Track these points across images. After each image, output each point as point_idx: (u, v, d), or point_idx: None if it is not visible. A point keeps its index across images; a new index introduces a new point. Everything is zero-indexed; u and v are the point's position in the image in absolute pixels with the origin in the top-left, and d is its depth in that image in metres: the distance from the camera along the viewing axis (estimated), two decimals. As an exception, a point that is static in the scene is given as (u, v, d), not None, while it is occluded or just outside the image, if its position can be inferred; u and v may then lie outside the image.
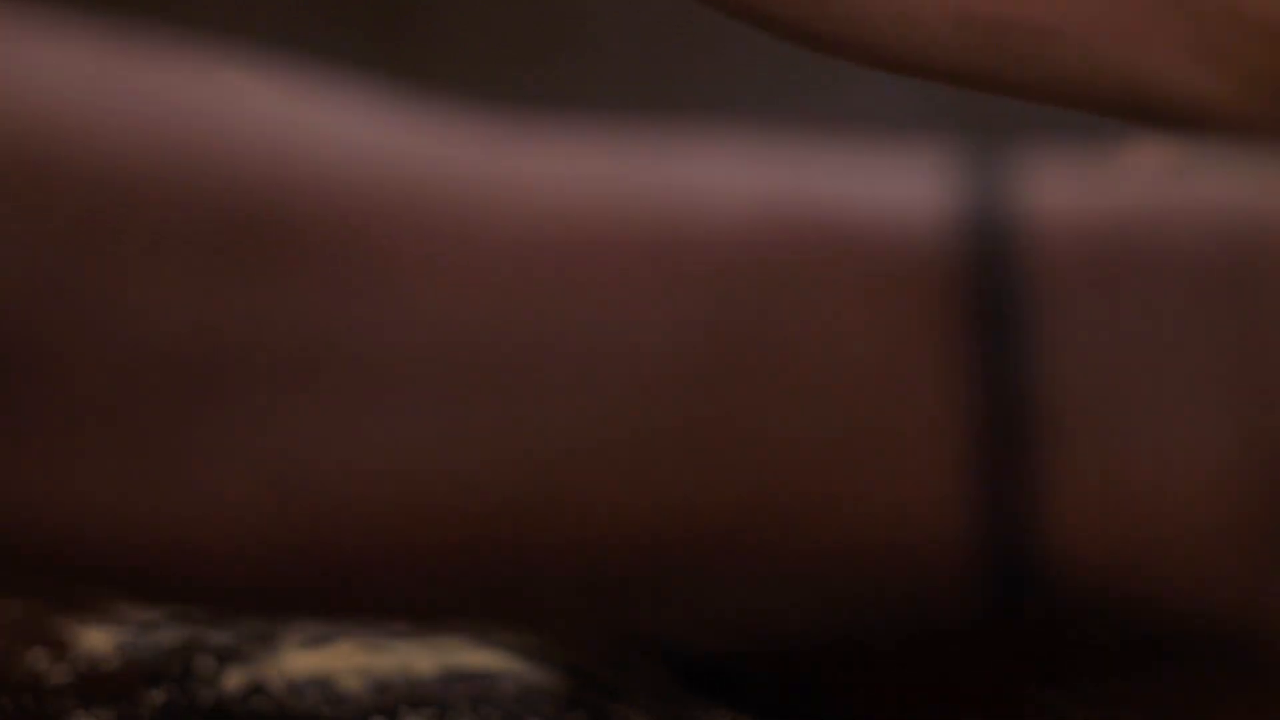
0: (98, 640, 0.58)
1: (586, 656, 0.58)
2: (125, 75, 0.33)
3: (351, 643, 0.59)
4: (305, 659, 0.57)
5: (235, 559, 0.32)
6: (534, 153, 0.33)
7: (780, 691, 0.52)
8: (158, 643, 0.58)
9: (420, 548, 0.32)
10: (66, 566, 0.34)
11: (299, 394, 0.32)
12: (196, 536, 0.32)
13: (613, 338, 0.32)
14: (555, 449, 0.32)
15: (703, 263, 0.32)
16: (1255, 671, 0.31)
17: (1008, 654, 0.42)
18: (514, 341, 0.32)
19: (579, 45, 1.46)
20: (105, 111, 0.32)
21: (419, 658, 0.58)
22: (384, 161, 0.32)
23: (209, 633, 0.59)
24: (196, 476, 0.32)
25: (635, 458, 0.32)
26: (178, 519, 0.32)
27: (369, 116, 0.33)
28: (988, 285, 0.31)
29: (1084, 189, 0.32)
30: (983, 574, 0.31)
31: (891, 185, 0.32)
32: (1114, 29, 0.49)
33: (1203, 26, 0.48)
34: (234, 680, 0.55)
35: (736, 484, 0.32)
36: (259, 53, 0.37)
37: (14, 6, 0.33)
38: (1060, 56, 0.49)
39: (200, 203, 0.32)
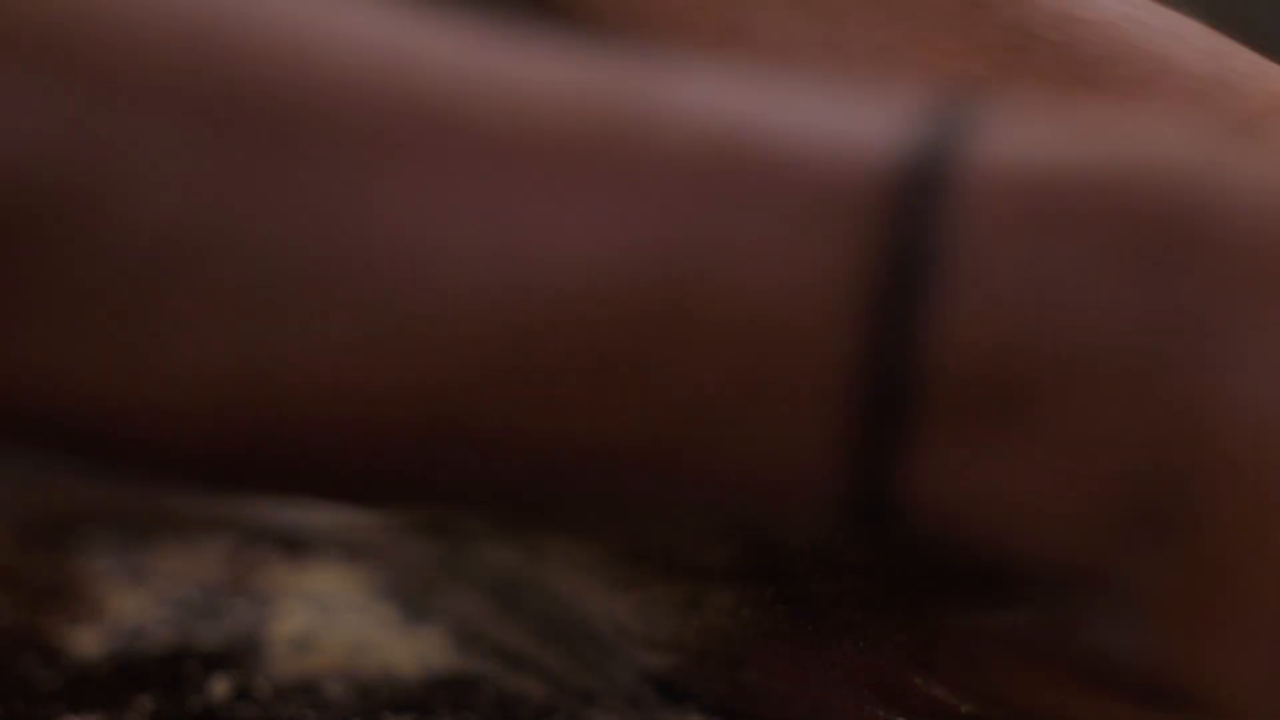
0: (87, 645, 0.59)
1: (563, 662, 0.59)
2: None
3: (334, 645, 0.60)
4: (291, 663, 0.58)
5: (210, 424, 0.35)
6: (526, 59, 0.34)
7: (734, 696, 0.53)
8: (146, 648, 0.59)
9: (361, 432, 0.34)
10: (57, 426, 0.36)
11: (277, 283, 0.33)
12: (174, 402, 0.34)
13: (556, 254, 0.33)
14: (483, 356, 0.33)
15: (653, 190, 0.33)
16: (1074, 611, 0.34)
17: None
18: (463, 244, 0.33)
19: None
20: None
21: (402, 661, 0.59)
22: (384, 60, 0.33)
23: (196, 637, 0.60)
24: (177, 349, 0.34)
25: (554, 377, 0.33)
26: (159, 385, 0.34)
27: (375, 17, 0.34)
28: (904, 234, 0.31)
29: (1039, 143, 0.32)
30: (847, 511, 0.33)
31: (850, 127, 0.33)
32: None
33: None
34: (221, 686, 0.55)
35: (642, 411, 0.33)
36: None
37: None
38: None
39: (209, 79, 0.33)
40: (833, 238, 0.32)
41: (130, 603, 0.65)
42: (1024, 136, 0.32)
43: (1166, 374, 0.31)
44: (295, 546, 0.73)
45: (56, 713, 0.52)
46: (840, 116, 0.33)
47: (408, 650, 0.60)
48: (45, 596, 0.66)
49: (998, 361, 0.31)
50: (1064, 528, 0.32)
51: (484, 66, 0.33)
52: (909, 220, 0.31)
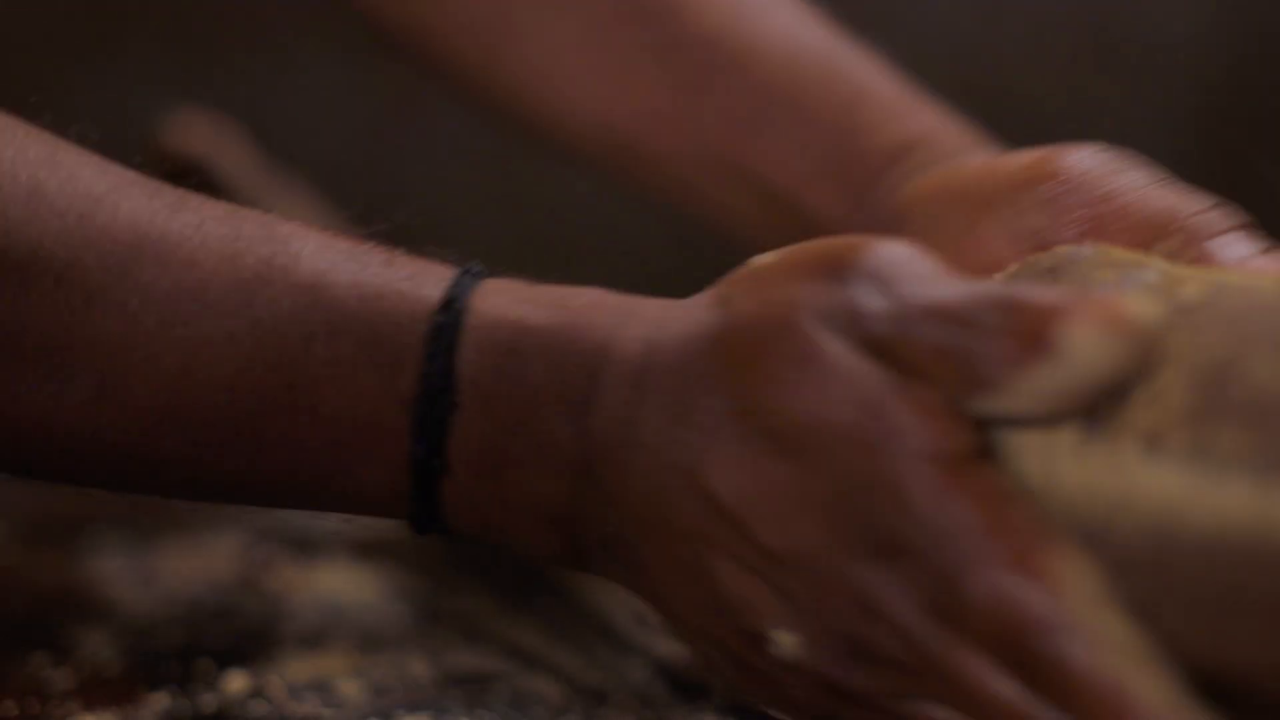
0: (99, 644, 0.59)
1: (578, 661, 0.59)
2: None
3: (347, 644, 0.60)
4: (303, 661, 0.58)
5: (82, 440, 0.51)
6: (197, 214, 0.52)
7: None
8: (157, 647, 0.59)
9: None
10: None
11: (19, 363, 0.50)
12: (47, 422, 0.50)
13: (216, 345, 0.50)
14: (161, 412, 0.50)
15: (270, 322, 0.50)
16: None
17: None
18: (152, 355, 0.50)
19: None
20: None
21: (415, 661, 0.59)
22: (108, 214, 0.51)
23: (207, 637, 0.60)
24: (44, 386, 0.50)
25: (208, 431, 0.50)
26: (33, 411, 0.50)
27: (103, 179, 0.52)
28: (430, 367, 0.50)
29: (507, 303, 0.50)
30: (418, 527, 0.50)
31: (409, 285, 0.51)
32: None
33: None
34: (235, 684, 0.55)
35: (274, 455, 0.51)
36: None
37: None
38: None
39: None
40: (386, 366, 0.50)
41: (141, 603, 0.65)
42: (498, 300, 0.50)
43: (584, 451, 0.48)
44: (305, 546, 0.73)
45: (71, 711, 0.52)
46: (396, 280, 0.51)
47: (420, 649, 0.60)
48: (55, 596, 0.66)
49: (492, 443, 0.49)
50: (534, 544, 0.50)
51: (163, 232, 0.51)
52: (434, 358, 0.50)
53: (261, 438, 0.50)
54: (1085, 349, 0.43)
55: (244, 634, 0.61)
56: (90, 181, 0.52)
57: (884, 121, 0.62)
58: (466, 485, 0.49)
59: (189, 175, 0.94)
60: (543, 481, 0.49)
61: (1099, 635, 0.43)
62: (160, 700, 0.53)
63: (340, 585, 0.69)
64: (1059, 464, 0.44)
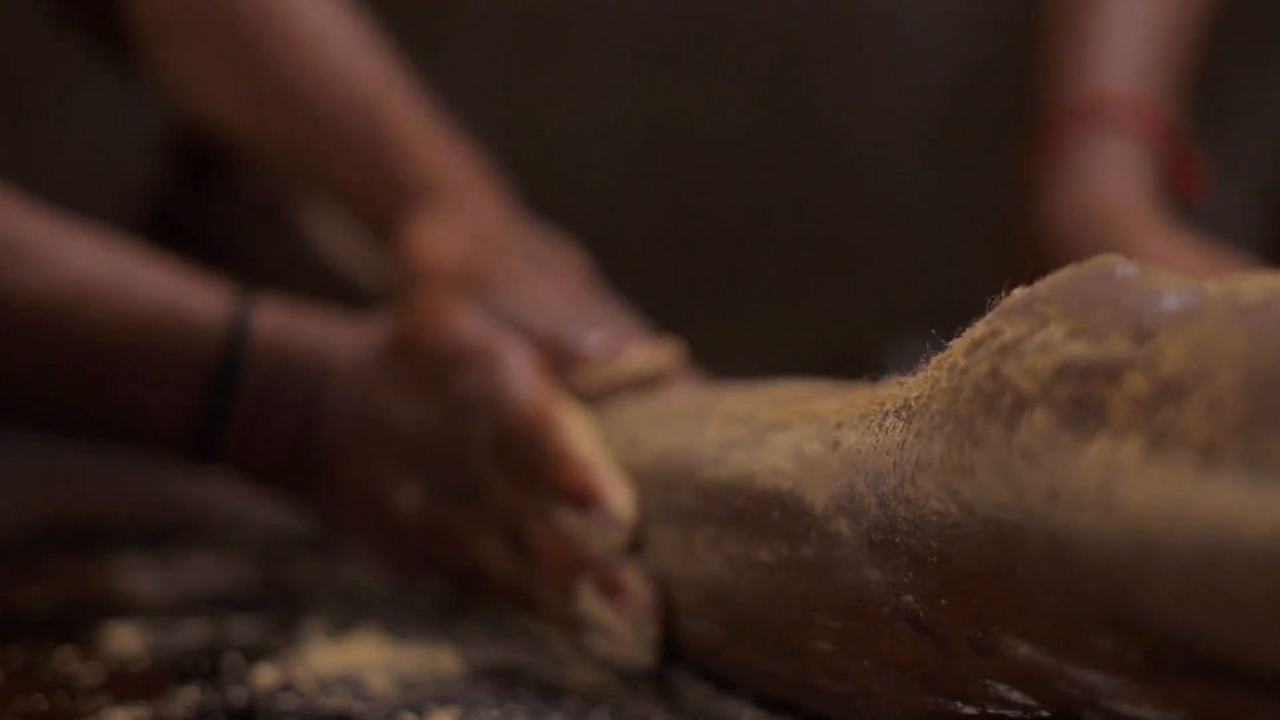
0: (124, 639, 0.58)
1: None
2: None
3: (374, 637, 0.59)
4: (331, 655, 0.58)
5: None
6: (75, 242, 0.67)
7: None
8: (184, 641, 0.59)
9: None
10: None
11: None
12: None
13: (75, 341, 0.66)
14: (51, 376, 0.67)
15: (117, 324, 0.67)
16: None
17: None
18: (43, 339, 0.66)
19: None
20: None
21: (443, 654, 0.58)
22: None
23: (232, 631, 0.60)
24: None
25: (72, 386, 0.67)
26: None
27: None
28: (224, 369, 0.66)
29: (281, 318, 0.68)
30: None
31: (198, 302, 0.67)
32: None
33: None
34: (265, 678, 0.55)
35: (105, 400, 0.67)
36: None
37: None
38: None
39: None
40: (181, 384, 0.67)
41: (164, 598, 0.65)
42: (275, 315, 0.67)
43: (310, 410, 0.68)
44: (323, 543, 0.73)
45: (101, 705, 0.52)
46: (190, 295, 0.67)
47: (447, 641, 0.60)
48: (78, 593, 0.66)
49: (278, 440, 0.67)
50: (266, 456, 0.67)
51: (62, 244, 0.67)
52: (228, 358, 0.66)
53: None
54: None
55: (269, 628, 0.61)
56: None
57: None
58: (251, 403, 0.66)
59: (208, 162, 0.94)
60: (288, 413, 0.66)
61: (574, 432, 0.61)
62: (190, 694, 0.53)
63: (361, 578, 0.69)
64: (1121, 483, 0.42)
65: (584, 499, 0.59)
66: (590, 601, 0.58)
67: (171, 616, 0.62)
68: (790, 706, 0.54)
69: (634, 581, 0.57)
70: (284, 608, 0.64)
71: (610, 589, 0.58)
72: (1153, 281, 0.44)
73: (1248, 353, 0.41)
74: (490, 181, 0.81)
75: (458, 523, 0.63)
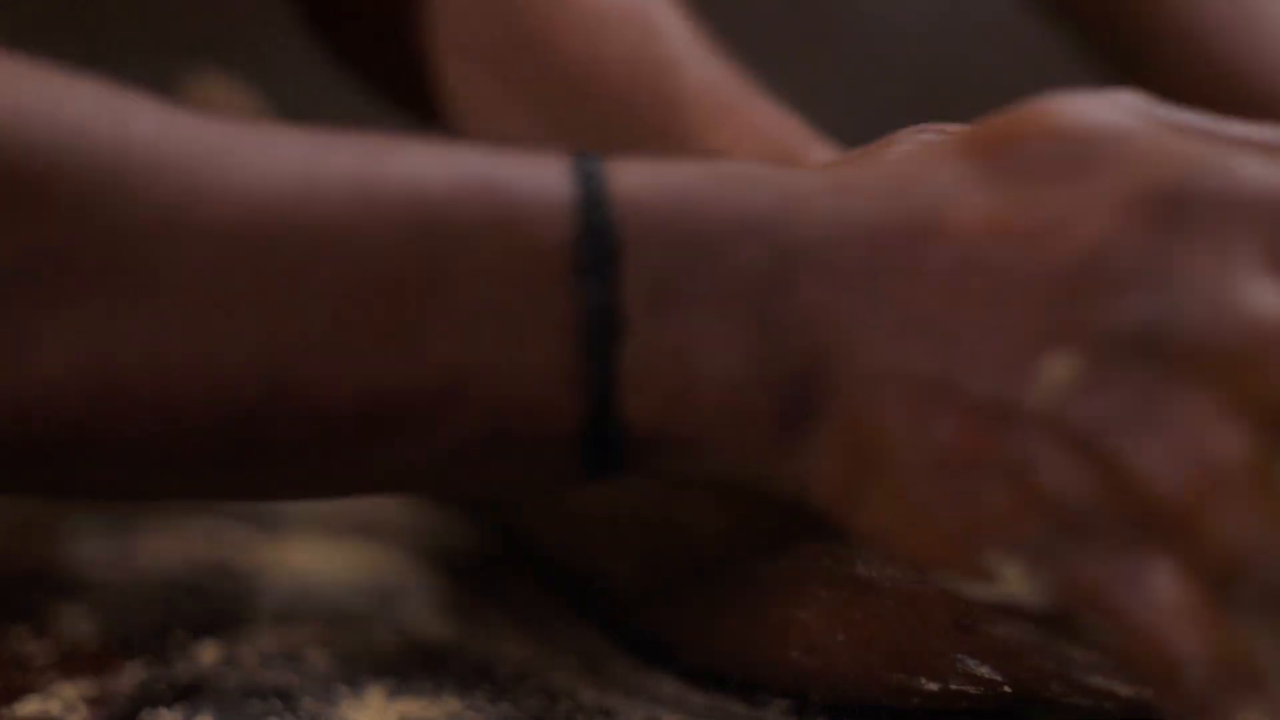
0: (77, 619, 0.60)
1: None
2: None
3: (317, 620, 0.61)
4: (275, 634, 0.60)
5: (62, 417, 0.46)
6: (268, 144, 0.47)
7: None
8: (133, 622, 0.60)
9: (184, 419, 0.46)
10: None
11: (97, 304, 0.45)
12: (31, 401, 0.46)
13: (330, 261, 0.45)
14: (284, 344, 0.45)
15: (404, 213, 0.46)
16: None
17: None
18: (254, 265, 0.45)
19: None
20: None
21: (381, 631, 0.60)
22: (162, 152, 0.46)
23: (183, 613, 0.62)
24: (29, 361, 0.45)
25: (347, 348, 0.46)
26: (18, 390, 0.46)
27: (160, 121, 0.47)
28: (586, 245, 0.45)
29: (654, 177, 0.46)
30: (580, 436, 0.46)
31: (531, 178, 0.46)
32: None
33: None
34: (208, 654, 0.57)
35: (416, 372, 0.46)
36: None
37: None
38: None
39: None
40: (537, 250, 0.46)
41: (118, 581, 0.67)
42: (635, 175, 0.46)
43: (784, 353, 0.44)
44: (275, 525, 0.75)
45: (50, 680, 0.54)
46: (521, 171, 0.47)
47: (386, 621, 0.62)
48: (34, 574, 0.68)
49: (670, 354, 0.45)
50: (728, 426, 0.45)
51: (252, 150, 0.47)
52: (588, 231, 0.45)
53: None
54: None
55: (217, 610, 0.63)
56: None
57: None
58: (644, 342, 0.45)
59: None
60: (723, 322, 0.45)
61: None
62: (136, 670, 0.55)
63: (309, 562, 0.71)
64: None
65: None
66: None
67: (123, 599, 0.64)
68: (718, 679, 0.56)
69: None
70: (233, 590, 0.65)
71: None
72: None
73: None
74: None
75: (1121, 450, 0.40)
